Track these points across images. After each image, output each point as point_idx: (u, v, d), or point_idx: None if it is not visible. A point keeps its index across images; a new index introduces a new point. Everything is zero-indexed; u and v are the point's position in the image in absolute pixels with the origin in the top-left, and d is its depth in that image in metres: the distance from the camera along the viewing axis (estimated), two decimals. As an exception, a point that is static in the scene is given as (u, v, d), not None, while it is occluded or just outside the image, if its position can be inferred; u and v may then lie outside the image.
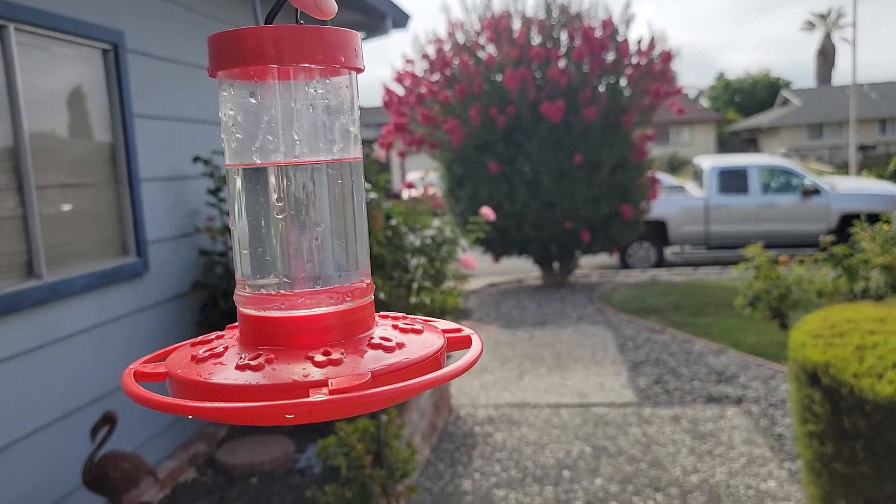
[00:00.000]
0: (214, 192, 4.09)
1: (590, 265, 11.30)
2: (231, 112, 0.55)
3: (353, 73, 0.56)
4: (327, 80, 0.54)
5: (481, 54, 8.77)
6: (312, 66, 0.52)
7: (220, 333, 0.62)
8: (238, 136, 0.55)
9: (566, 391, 5.10)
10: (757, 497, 3.45)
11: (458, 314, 4.53)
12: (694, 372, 5.41)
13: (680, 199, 11.01)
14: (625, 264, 10.93)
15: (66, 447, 3.13)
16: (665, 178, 12.23)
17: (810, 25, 46.84)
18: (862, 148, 26.90)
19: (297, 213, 0.54)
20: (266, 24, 0.52)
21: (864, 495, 2.48)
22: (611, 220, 8.77)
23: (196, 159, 4.03)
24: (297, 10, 0.52)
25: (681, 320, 7.02)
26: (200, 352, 0.55)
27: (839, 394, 2.49)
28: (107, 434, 2.98)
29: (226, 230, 4.12)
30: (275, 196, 0.54)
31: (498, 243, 8.92)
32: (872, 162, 24.96)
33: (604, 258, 11.40)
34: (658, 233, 10.85)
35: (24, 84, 2.99)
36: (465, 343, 0.61)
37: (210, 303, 4.16)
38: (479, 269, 5.05)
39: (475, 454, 4.10)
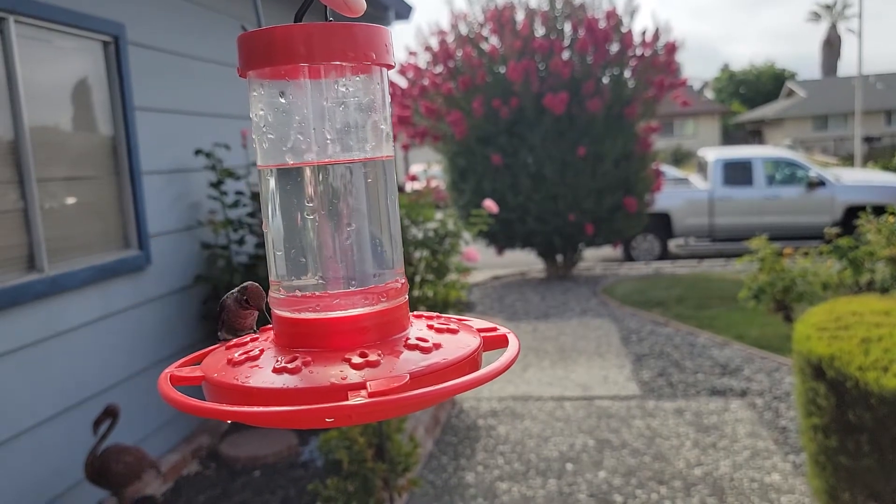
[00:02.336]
0: (216, 185, 4.07)
1: (593, 258, 11.27)
2: (262, 112, 0.54)
3: (384, 69, 0.55)
4: (358, 78, 0.53)
5: (484, 46, 8.73)
6: (343, 63, 0.51)
7: (254, 336, 0.61)
8: (270, 136, 0.54)
9: (570, 384, 5.09)
10: (761, 490, 3.44)
11: (461, 307, 4.52)
12: (698, 365, 5.40)
13: (684, 192, 10.97)
14: (628, 257, 10.91)
15: (68, 441, 3.13)
16: (669, 171, 12.19)
17: (816, 16, 46.55)
18: (867, 139, 26.78)
19: (331, 214, 0.54)
20: (295, 22, 0.51)
21: (869, 488, 2.47)
22: (614, 213, 8.74)
23: (198, 152, 4.02)
24: (326, 7, 0.51)
25: (685, 313, 7.00)
26: (236, 355, 0.54)
27: (844, 387, 2.48)
28: (109, 427, 2.98)
29: (228, 223, 4.11)
30: (308, 196, 0.53)
31: (501, 236, 8.91)
32: (878, 153, 24.85)
33: (607, 251, 11.37)
34: (662, 225, 10.82)
35: (25, 77, 2.98)
36: (502, 342, 0.60)
37: (213, 296, 4.16)
38: (482, 261, 5.04)
39: (478, 447, 4.09)
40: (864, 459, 2.46)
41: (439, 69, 8.85)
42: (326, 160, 0.53)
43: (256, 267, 4.10)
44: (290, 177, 0.54)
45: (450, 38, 8.86)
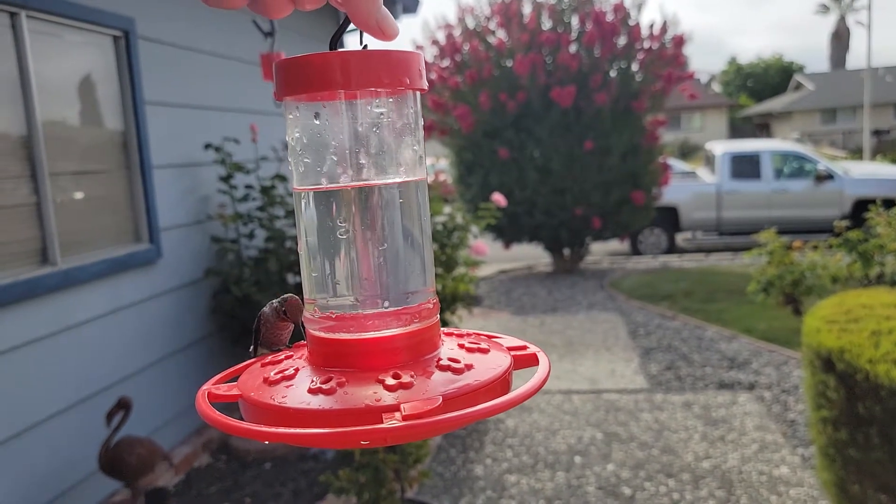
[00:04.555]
0: (226, 179, 4.09)
1: (600, 251, 11.26)
2: (297, 135, 0.56)
3: (417, 93, 0.56)
4: (392, 102, 0.55)
5: (491, 39, 8.71)
6: (379, 89, 0.53)
7: (289, 353, 0.62)
8: (306, 160, 0.55)
9: (577, 377, 5.10)
10: (770, 483, 3.44)
11: (470, 301, 4.53)
12: (706, 358, 5.40)
13: (691, 185, 10.94)
14: (636, 251, 10.89)
15: (81, 432, 3.16)
16: (676, 164, 12.15)
17: (824, 8, 46.22)
18: (876, 133, 26.61)
19: (365, 235, 0.55)
20: (330, 48, 0.53)
21: (878, 481, 2.47)
22: (622, 206, 8.73)
23: (207, 146, 4.04)
24: (361, 32, 0.52)
25: (692, 306, 6.99)
26: (272, 374, 0.55)
27: (854, 379, 2.48)
28: (122, 419, 3.01)
29: (237, 217, 4.13)
30: (342, 218, 0.55)
31: (508, 230, 8.91)
32: (887, 147, 24.72)
33: (614, 244, 11.36)
34: (669, 219, 10.80)
35: (37, 72, 3.00)
36: (532, 361, 0.60)
37: (222, 289, 4.18)
38: (489, 255, 5.04)
39: (487, 440, 4.11)
40: (874, 452, 2.46)
41: (446, 63, 8.84)
42: (361, 183, 0.54)
43: (266, 261, 4.12)
44: (324, 199, 0.55)
45: (457, 32, 8.85)
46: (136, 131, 3.61)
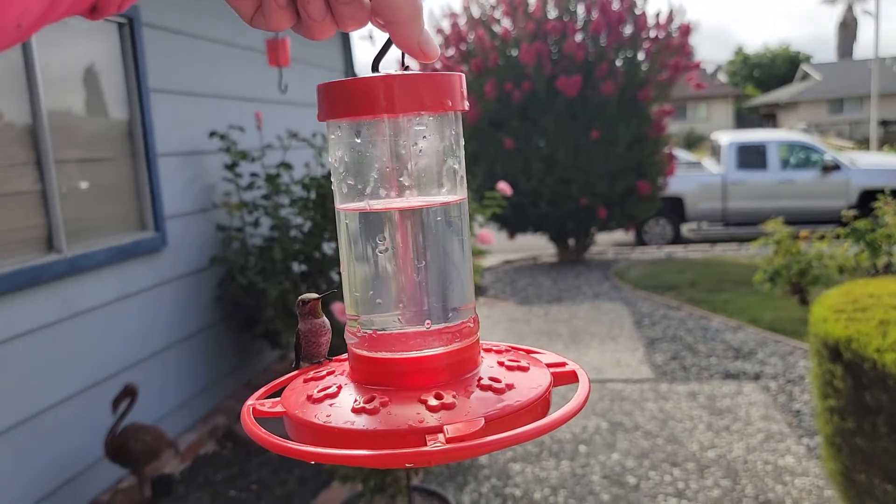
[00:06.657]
0: (231, 167, 4.09)
1: (605, 242, 11.24)
2: (340, 155, 0.56)
3: (459, 113, 0.56)
4: (434, 123, 0.55)
5: (497, 28, 8.67)
6: (422, 112, 0.53)
7: (330, 368, 0.63)
8: (349, 180, 0.56)
9: (582, 367, 5.09)
10: (775, 472, 3.44)
11: (475, 290, 4.52)
12: (711, 348, 5.39)
13: (697, 176, 10.90)
14: (641, 241, 10.87)
15: (87, 419, 3.17)
16: (682, 154, 12.10)
17: (832, -3, 45.83)
18: (883, 123, 26.46)
19: (407, 255, 0.55)
20: (372, 69, 0.53)
21: (885, 470, 2.47)
22: (627, 197, 8.70)
23: (212, 134, 4.03)
24: (402, 53, 0.52)
25: (697, 297, 6.98)
26: (315, 391, 0.56)
27: (861, 369, 2.47)
28: (128, 406, 3.02)
29: (242, 205, 4.12)
30: (384, 238, 0.55)
31: (513, 220, 8.90)
32: (894, 137, 24.57)
33: (620, 235, 11.34)
34: (675, 209, 10.77)
35: (42, 60, 2.99)
36: (571, 378, 0.61)
37: (227, 277, 4.18)
38: (494, 245, 5.03)
39: (491, 429, 4.11)
40: (881, 441, 2.45)
41: (451, 52, 8.81)
42: (403, 204, 0.55)
43: (271, 249, 4.12)
44: (367, 219, 0.56)
45: (462, 21, 8.81)
46: (141, 119, 3.61)
